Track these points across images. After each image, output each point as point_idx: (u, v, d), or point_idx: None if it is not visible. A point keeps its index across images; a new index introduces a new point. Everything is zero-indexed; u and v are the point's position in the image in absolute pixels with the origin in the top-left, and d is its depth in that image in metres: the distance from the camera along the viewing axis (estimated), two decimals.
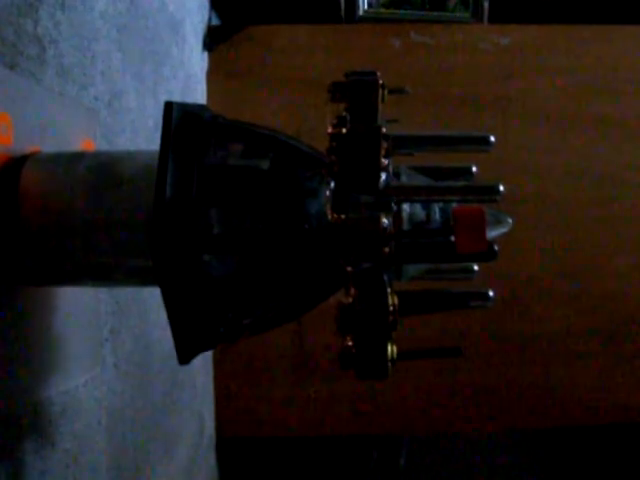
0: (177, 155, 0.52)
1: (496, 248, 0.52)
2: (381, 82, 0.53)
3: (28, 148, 0.60)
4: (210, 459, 1.50)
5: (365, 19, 1.69)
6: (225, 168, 0.55)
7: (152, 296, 0.94)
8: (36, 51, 0.64)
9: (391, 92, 0.54)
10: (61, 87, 0.69)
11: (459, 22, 1.70)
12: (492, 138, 0.56)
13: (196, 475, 1.35)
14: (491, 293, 0.53)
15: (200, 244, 0.52)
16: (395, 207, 0.52)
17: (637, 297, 1.53)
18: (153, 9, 1.05)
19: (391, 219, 0.51)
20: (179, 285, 0.52)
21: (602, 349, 1.53)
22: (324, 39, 1.53)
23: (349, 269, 0.50)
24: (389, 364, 0.50)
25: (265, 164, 0.55)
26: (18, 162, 0.58)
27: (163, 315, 0.54)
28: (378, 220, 0.50)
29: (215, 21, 1.51)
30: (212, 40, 1.48)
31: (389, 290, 0.50)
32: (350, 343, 0.49)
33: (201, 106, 0.57)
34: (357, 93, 0.53)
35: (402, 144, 0.54)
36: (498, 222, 0.55)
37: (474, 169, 0.58)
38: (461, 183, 0.57)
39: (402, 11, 1.75)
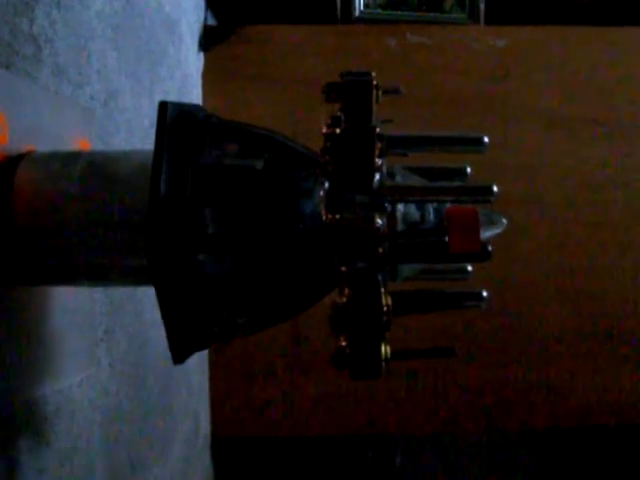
0: (172, 155, 0.52)
1: (490, 249, 0.52)
2: (375, 83, 0.54)
3: (23, 147, 0.60)
4: (205, 459, 1.50)
5: (361, 20, 1.69)
6: (220, 168, 0.55)
7: (147, 296, 0.94)
8: (32, 50, 0.64)
9: (385, 92, 0.54)
10: (57, 86, 0.69)
11: (455, 23, 1.71)
12: (486, 139, 0.56)
13: (191, 475, 1.35)
14: (485, 293, 0.54)
15: (195, 244, 0.52)
16: (389, 207, 0.52)
17: (633, 297, 1.54)
18: (149, 9, 1.05)
19: (385, 219, 0.51)
20: (173, 284, 0.52)
21: (599, 350, 1.53)
22: (320, 40, 1.53)
23: (343, 269, 0.51)
24: (383, 364, 0.50)
25: (260, 164, 0.55)
26: (13, 161, 0.58)
27: (158, 315, 0.54)
28: (372, 220, 0.50)
29: (211, 21, 1.52)
30: (208, 40, 1.48)
31: (383, 290, 0.50)
32: (344, 343, 0.50)
33: (196, 106, 0.57)
34: (352, 93, 0.54)
35: (396, 144, 0.54)
36: (492, 223, 0.55)
37: (468, 170, 0.59)
38: (455, 184, 0.57)
39: (398, 12, 1.75)
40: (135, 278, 0.60)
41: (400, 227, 0.53)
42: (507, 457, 1.77)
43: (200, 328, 0.54)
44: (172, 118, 0.54)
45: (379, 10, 1.75)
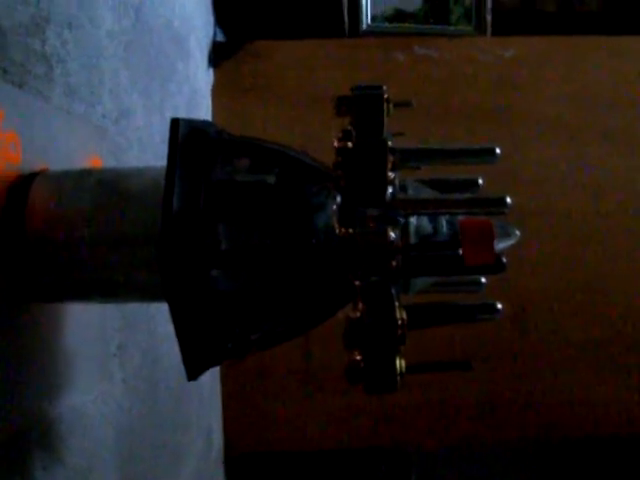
0: (184, 171, 0.53)
1: (504, 260, 0.52)
2: (386, 96, 0.54)
3: (36, 166, 0.60)
4: (218, 474, 1.49)
5: (369, 33, 1.70)
6: (232, 183, 0.55)
7: (159, 311, 0.94)
8: (44, 70, 0.65)
9: (396, 106, 0.54)
10: (69, 105, 0.70)
11: (462, 35, 1.71)
12: (497, 150, 0.56)
13: None
14: (499, 306, 0.53)
15: (208, 259, 0.52)
16: (402, 220, 0.52)
17: None
18: (158, 25, 1.05)
19: (398, 232, 0.51)
20: (187, 300, 0.52)
21: (615, 359, 1.52)
22: (328, 53, 1.54)
23: (357, 283, 0.50)
24: (398, 378, 0.50)
25: (272, 179, 0.55)
26: (27, 180, 0.58)
27: (171, 330, 0.54)
28: (385, 234, 0.50)
29: (220, 37, 1.53)
30: (217, 56, 1.49)
31: (397, 304, 0.50)
32: (358, 357, 0.49)
33: (207, 122, 0.58)
34: (363, 107, 0.54)
35: (408, 157, 0.54)
36: (506, 234, 0.55)
37: (480, 181, 0.59)
38: (468, 195, 0.57)
39: (406, 25, 1.76)
40: (148, 294, 0.60)
41: (413, 240, 0.53)
42: (522, 471, 1.75)
43: (214, 344, 0.54)
44: (184, 135, 0.54)
45: (386, 23, 1.76)
